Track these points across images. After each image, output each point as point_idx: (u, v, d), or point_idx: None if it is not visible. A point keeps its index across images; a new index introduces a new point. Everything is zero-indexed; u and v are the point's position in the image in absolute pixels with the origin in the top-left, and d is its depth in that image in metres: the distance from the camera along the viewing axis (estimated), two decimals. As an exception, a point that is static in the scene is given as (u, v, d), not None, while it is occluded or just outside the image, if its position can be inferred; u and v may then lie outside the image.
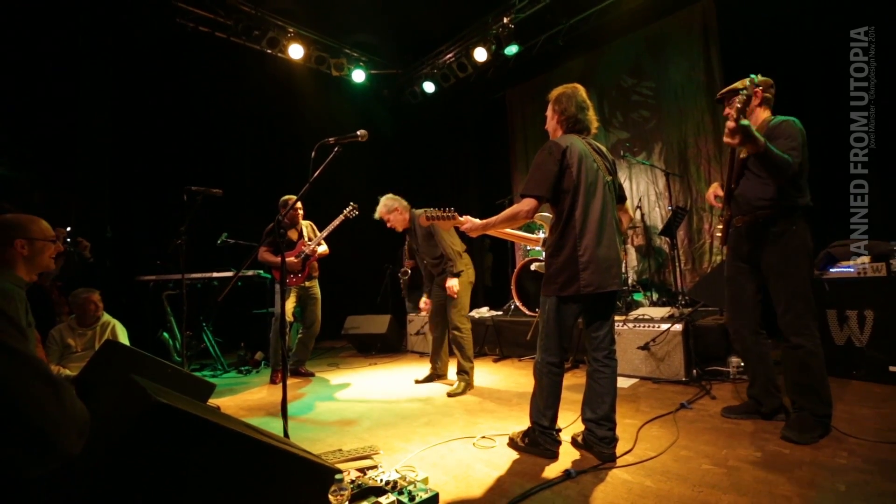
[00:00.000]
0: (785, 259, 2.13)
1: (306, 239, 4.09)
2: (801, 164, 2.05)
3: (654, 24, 5.36)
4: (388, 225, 3.55)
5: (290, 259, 3.94)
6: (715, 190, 2.47)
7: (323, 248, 4.06)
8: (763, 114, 2.26)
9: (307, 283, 4.08)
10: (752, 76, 1.98)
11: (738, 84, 2.26)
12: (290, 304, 3.98)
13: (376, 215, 3.54)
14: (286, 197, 3.94)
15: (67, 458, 1.01)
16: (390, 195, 3.57)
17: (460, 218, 2.23)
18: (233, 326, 5.18)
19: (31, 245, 1.63)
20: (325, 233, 3.99)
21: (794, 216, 2.13)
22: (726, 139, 1.95)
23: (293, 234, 4.10)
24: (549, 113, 2.23)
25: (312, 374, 4.21)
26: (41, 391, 1.01)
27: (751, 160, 2.17)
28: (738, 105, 1.86)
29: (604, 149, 2.20)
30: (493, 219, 2.13)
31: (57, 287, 3.86)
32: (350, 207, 3.90)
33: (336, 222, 3.93)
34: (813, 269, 2.17)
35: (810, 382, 2.08)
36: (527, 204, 1.99)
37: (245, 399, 3.48)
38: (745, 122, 1.88)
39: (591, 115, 2.17)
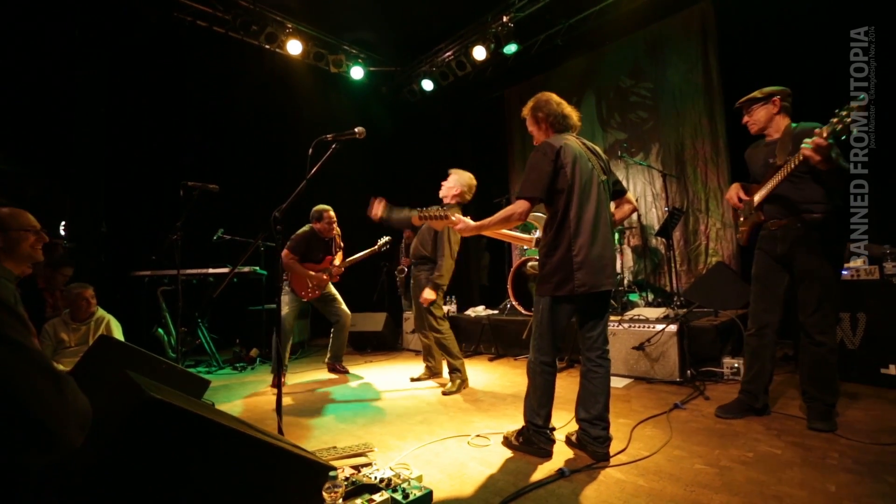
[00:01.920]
0: (820, 262, 2.22)
1: (334, 256, 3.98)
2: None
3: (653, 26, 5.36)
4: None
5: (321, 274, 3.84)
6: (738, 192, 2.48)
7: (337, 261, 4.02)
8: (783, 122, 2.35)
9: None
10: (863, 96, 2.00)
11: (756, 93, 2.36)
12: (293, 315, 3.88)
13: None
14: (319, 207, 3.81)
15: (69, 451, 1.01)
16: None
17: (453, 218, 2.23)
18: (228, 323, 5.16)
19: (5, 235, 1.62)
20: (352, 259, 3.94)
21: (837, 221, 2.24)
22: (809, 154, 1.96)
23: (323, 249, 3.95)
24: (532, 127, 2.24)
25: (347, 371, 4.12)
26: (42, 383, 1.00)
27: (793, 167, 2.18)
28: (839, 126, 1.90)
29: (598, 149, 2.21)
30: (487, 220, 2.12)
31: (59, 291, 3.84)
32: (384, 241, 3.89)
33: (366, 253, 3.89)
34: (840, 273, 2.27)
35: (828, 376, 2.23)
36: (520, 206, 1.99)
37: (245, 399, 3.47)
38: (831, 140, 1.93)
39: (570, 109, 2.19)
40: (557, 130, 2.15)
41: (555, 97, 2.19)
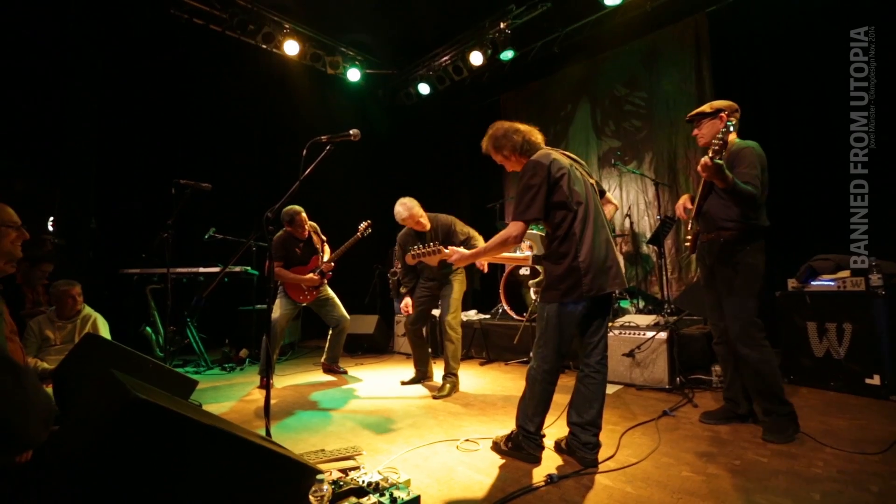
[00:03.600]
0: (735, 276, 2.27)
1: (321, 253, 3.95)
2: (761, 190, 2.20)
3: (648, 36, 5.42)
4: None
5: (311, 276, 3.79)
6: (685, 202, 2.58)
7: (326, 257, 3.97)
8: (727, 138, 2.37)
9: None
10: (731, 125, 2.08)
11: (705, 108, 2.44)
12: (286, 318, 3.85)
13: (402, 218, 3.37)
14: (291, 209, 3.71)
15: (32, 446, 0.99)
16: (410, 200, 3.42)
17: (446, 251, 2.20)
18: (218, 323, 5.10)
19: None
20: (339, 252, 3.88)
21: (753, 238, 2.27)
22: (700, 171, 2.07)
23: (305, 249, 3.91)
24: (500, 159, 2.23)
25: (345, 372, 4.14)
26: (2, 379, 0.97)
27: (704, 181, 2.28)
28: (717, 146, 1.98)
29: (574, 156, 2.22)
30: (482, 248, 2.12)
31: (42, 285, 3.79)
32: (365, 225, 3.82)
33: (350, 242, 3.84)
34: (761, 287, 2.28)
35: (765, 387, 2.23)
36: (516, 228, 1.98)
37: (232, 400, 3.43)
38: (719, 161, 2.00)
39: (531, 129, 2.18)
40: (528, 154, 2.13)
41: (510, 126, 2.17)
